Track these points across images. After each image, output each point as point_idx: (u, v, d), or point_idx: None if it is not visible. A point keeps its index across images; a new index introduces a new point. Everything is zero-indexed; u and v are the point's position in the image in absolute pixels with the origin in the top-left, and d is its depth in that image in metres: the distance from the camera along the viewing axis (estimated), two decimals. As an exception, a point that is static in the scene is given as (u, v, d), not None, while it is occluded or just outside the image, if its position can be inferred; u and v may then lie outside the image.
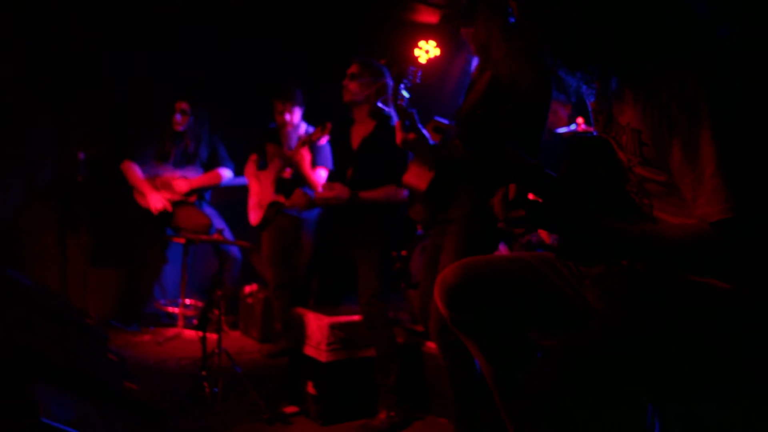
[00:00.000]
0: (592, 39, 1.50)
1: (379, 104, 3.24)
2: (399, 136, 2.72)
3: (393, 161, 3.33)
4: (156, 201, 4.69)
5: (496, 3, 1.70)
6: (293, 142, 4.34)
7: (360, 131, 3.47)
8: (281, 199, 4.30)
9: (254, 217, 4.48)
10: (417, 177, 2.75)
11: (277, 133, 4.48)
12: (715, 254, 1.39)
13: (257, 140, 4.58)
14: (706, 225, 1.37)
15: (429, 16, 5.81)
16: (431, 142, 2.67)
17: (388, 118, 3.41)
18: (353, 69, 3.43)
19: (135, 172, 4.75)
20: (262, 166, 4.55)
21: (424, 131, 2.68)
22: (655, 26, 1.46)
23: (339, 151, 3.63)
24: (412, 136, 2.67)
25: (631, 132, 1.52)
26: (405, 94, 2.69)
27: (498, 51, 1.74)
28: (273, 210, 4.35)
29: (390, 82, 3.45)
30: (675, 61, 1.41)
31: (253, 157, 4.57)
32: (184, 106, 4.83)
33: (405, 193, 3.31)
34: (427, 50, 5.92)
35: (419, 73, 2.72)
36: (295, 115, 4.40)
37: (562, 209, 1.47)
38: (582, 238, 1.53)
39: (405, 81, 2.71)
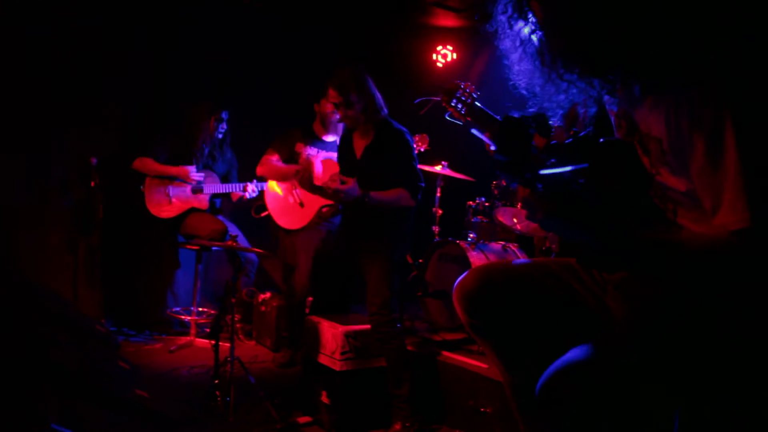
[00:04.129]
0: (613, 45, 1.46)
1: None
2: None
3: (397, 166, 3.27)
4: (193, 172, 4.68)
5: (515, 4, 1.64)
6: (336, 131, 4.42)
7: (362, 139, 3.42)
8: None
9: (288, 220, 4.38)
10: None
11: (309, 127, 4.47)
12: (735, 263, 1.35)
13: (283, 139, 4.46)
14: (725, 234, 1.34)
15: (446, 20, 5.77)
16: None
17: (389, 123, 3.35)
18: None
19: (152, 162, 4.70)
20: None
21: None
22: (674, 32, 1.42)
23: (343, 160, 3.55)
24: None
25: (654, 140, 1.48)
26: None
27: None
28: (329, 212, 4.30)
29: (370, 79, 3.34)
30: (695, 68, 1.38)
31: (275, 157, 4.44)
32: (225, 115, 4.85)
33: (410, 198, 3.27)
34: (444, 54, 5.89)
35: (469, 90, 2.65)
36: None
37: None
38: (599, 243, 1.49)
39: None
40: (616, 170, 1.58)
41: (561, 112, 1.63)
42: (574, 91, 1.54)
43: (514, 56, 1.66)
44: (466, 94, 2.66)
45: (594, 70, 1.52)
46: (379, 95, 3.35)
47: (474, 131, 2.23)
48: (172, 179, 4.70)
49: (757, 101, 1.33)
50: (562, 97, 1.58)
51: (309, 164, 4.12)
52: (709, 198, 1.38)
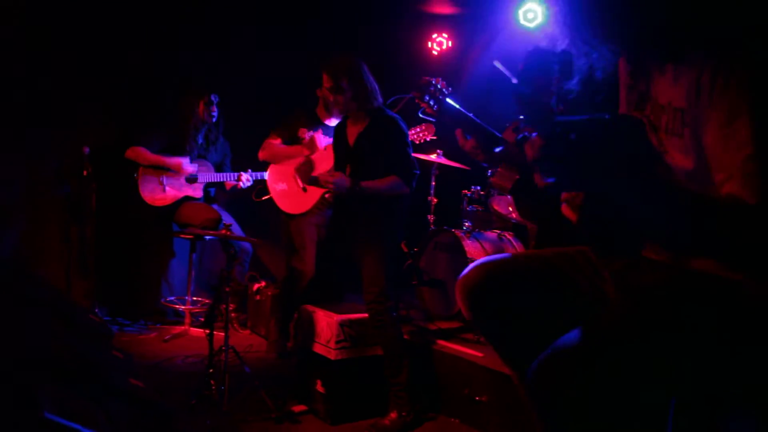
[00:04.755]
0: (637, 14, 1.46)
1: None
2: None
3: (390, 153, 3.25)
4: (187, 164, 4.66)
5: None
6: (336, 116, 4.32)
7: (355, 127, 3.39)
8: None
9: (291, 204, 4.34)
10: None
11: (312, 112, 4.43)
12: (739, 235, 1.35)
13: (286, 123, 4.42)
14: (736, 203, 1.33)
15: (442, 8, 5.73)
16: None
17: (382, 111, 3.33)
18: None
19: (145, 152, 4.64)
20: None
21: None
22: (697, 6, 1.43)
23: (337, 148, 3.53)
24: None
25: (673, 111, 1.48)
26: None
27: None
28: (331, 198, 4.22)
29: (365, 67, 3.31)
30: (718, 41, 1.39)
31: (277, 141, 4.40)
32: (214, 98, 4.80)
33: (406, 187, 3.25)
34: (440, 42, 5.87)
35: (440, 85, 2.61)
36: None
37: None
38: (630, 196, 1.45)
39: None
40: (624, 147, 1.56)
41: (578, 77, 1.61)
42: (595, 56, 1.53)
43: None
44: (438, 90, 2.65)
45: (616, 36, 1.51)
46: (374, 84, 3.31)
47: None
48: (165, 170, 4.67)
49: None
50: (582, 61, 1.56)
51: (310, 160, 4.08)
52: (720, 171, 1.38)
